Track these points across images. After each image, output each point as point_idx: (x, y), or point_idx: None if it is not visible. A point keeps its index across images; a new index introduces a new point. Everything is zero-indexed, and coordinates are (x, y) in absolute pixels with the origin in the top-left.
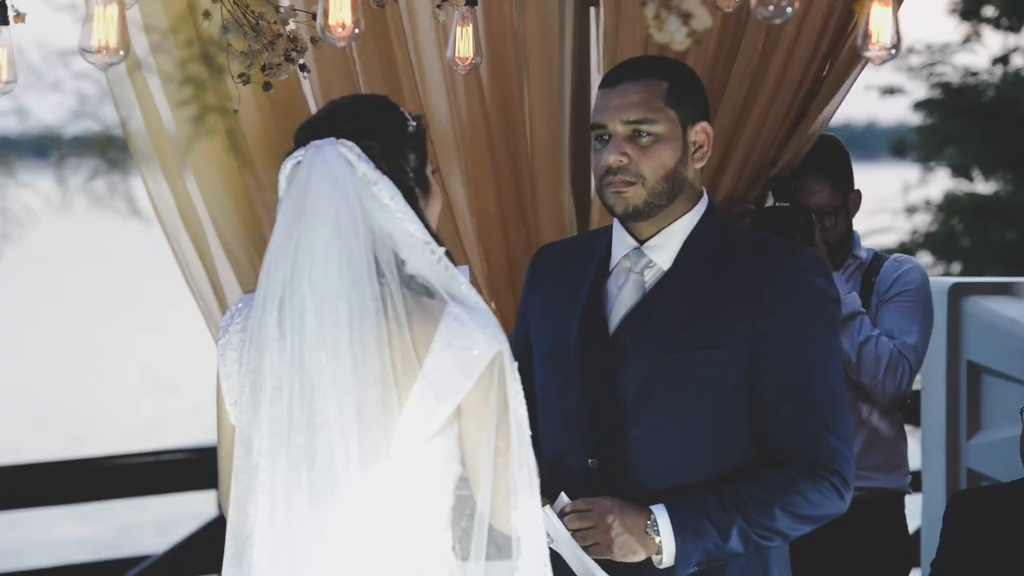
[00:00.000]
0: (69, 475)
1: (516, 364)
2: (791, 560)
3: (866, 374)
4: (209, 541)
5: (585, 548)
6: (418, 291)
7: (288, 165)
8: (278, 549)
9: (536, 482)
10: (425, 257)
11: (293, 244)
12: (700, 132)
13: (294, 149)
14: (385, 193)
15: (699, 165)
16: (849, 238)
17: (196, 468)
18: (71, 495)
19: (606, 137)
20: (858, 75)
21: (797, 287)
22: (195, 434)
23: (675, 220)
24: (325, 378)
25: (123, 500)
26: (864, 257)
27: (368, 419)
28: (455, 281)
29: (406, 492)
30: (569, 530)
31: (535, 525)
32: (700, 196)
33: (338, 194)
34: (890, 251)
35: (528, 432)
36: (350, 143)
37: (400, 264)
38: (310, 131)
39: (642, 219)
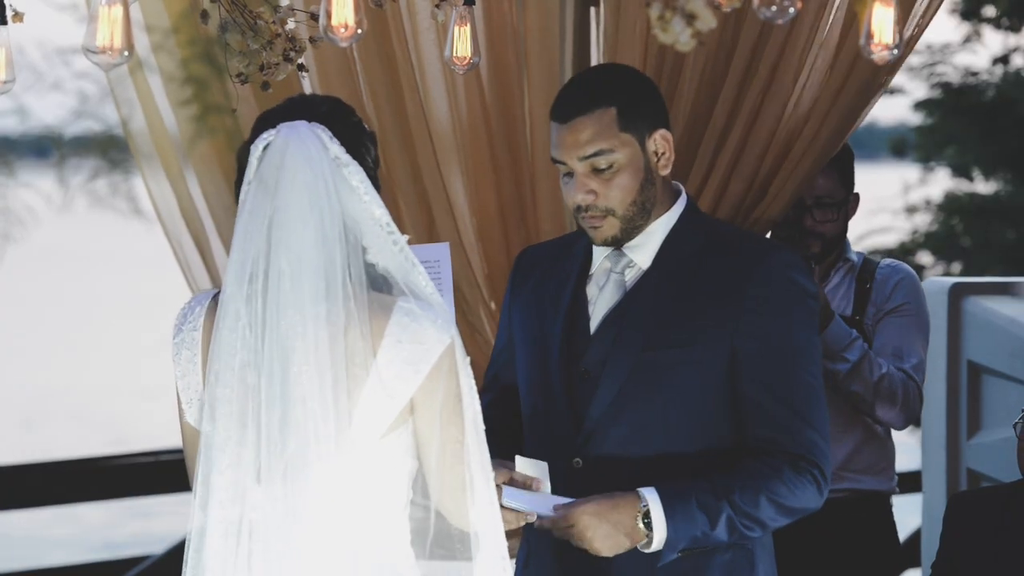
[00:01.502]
0: (69, 475)
1: (468, 358)
2: (778, 561)
3: (883, 409)
4: None
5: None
6: (375, 281)
7: (259, 147)
8: (240, 528)
9: (491, 475)
10: (387, 245)
11: (267, 219)
12: (659, 140)
13: (252, 136)
14: (355, 176)
15: (665, 172)
16: (843, 239)
17: None
18: (71, 495)
19: (570, 172)
20: (870, 102)
21: (776, 284)
22: None
23: (653, 221)
24: (301, 349)
25: (123, 500)
26: (855, 260)
27: (341, 397)
28: (414, 272)
29: (362, 486)
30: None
31: (493, 519)
32: (678, 195)
33: (312, 172)
34: (890, 252)
35: (483, 426)
36: (322, 126)
37: (363, 251)
38: (272, 118)
39: (623, 243)
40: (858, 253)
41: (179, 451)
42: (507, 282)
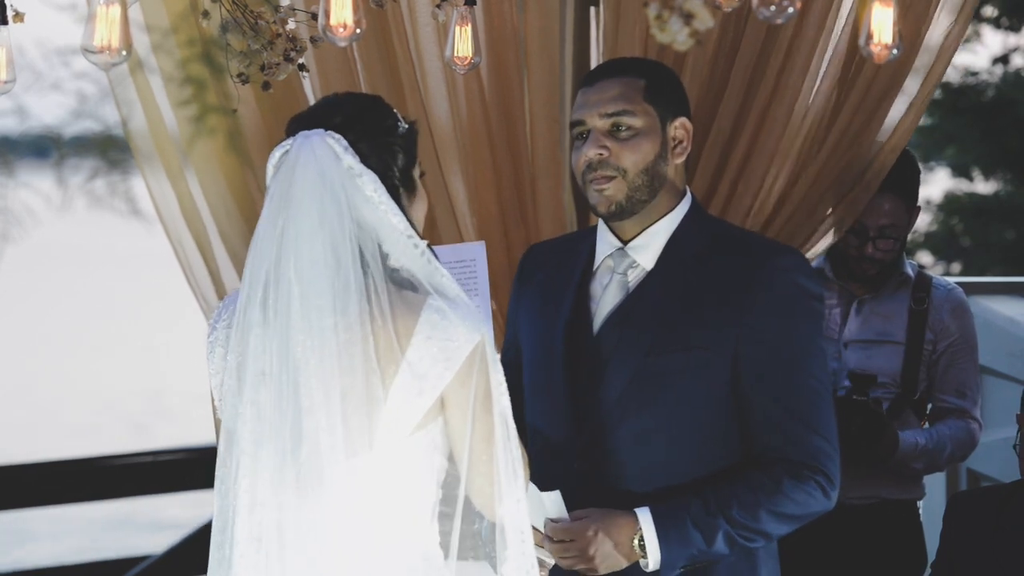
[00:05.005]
0: (69, 475)
1: (498, 355)
2: (806, 566)
3: (954, 462)
4: (209, 541)
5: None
6: (402, 284)
7: (276, 154)
8: (262, 534)
9: (521, 472)
10: (408, 250)
11: (278, 231)
12: (679, 128)
13: (285, 139)
14: (369, 185)
15: (679, 160)
16: (900, 260)
17: (195, 468)
18: (71, 495)
19: (586, 134)
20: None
21: (780, 287)
22: None
23: (658, 219)
24: (311, 362)
25: (122, 500)
26: (910, 274)
27: (353, 405)
28: (437, 273)
29: (390, 485)
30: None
31: (520, 516)
32: (683, 195)
33: (323, 184)
34: None
35: (512, 423)
36: (337, 135)
37: (384, 256)
38: (300, 122)
39: (625, 216)
40: (911, 263)
41: (179, 451)
42: (507, 281)
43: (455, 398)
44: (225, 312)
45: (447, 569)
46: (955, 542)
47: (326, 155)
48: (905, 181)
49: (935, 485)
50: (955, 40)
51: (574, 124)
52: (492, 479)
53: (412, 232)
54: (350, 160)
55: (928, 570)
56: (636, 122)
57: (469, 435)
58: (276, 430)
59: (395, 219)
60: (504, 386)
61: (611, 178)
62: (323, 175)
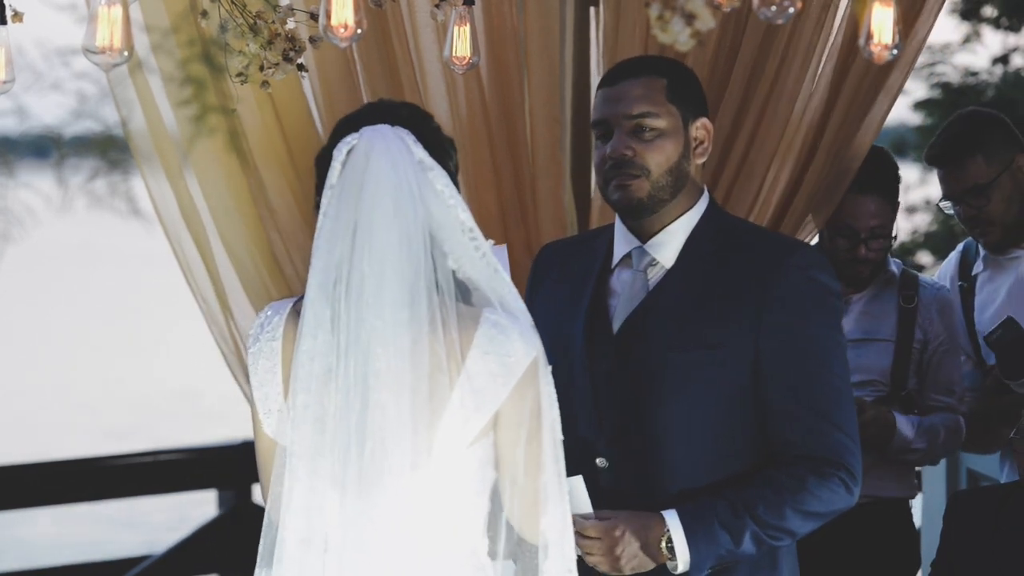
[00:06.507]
0: (68, 475)
1: (549, 367)
2: (799, 564)
3: (948, 453)
4: (209, 541)
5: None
6: (459, 287)
7: (343, 151)
8: (311, 536)
9: (565, 486)
10: (469, 251)
11: (351, 225)
12: (701, 128)
13: (332, 141)
14: (440, 180)
15: (700, 160)
16: (886, 256)
17: (196, 468)
18: (71, 495)
19: (608, 134)
20: (889, 99)
21: (799, 283)
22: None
23: (677, 218)
24: (380, 356)
25: (122, 500)
26: (895, 272)
27: (420, 402)
28: (496, 277)
29: (446, 497)
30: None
31: (564, 530)
32: (701, 193)
33: (397, 175)
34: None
35: (560, 436)
36: (405, 129)
37: (444, 256)
38: (354, 122)
39: (646, 214)
40: (895, 262)
41: (179, 451)
42: (527, 278)
43: (509, 415)
44: (269, 324)
45: (495, 573)
46: (955, 542)
47: (398, 147)
48: (888, 180)
49: (935, 484)
50: (925, 25)
51: (596, 124)
52: (536, 495)
53: (476, 231)
54: (421, 153)
55: (928, 569)
56: (660, 123)
57: (518, 451)
58: (341, 426)
59: (463, 215)
60: (554, 397)
61: (635, 176)
62: (396, 167)
